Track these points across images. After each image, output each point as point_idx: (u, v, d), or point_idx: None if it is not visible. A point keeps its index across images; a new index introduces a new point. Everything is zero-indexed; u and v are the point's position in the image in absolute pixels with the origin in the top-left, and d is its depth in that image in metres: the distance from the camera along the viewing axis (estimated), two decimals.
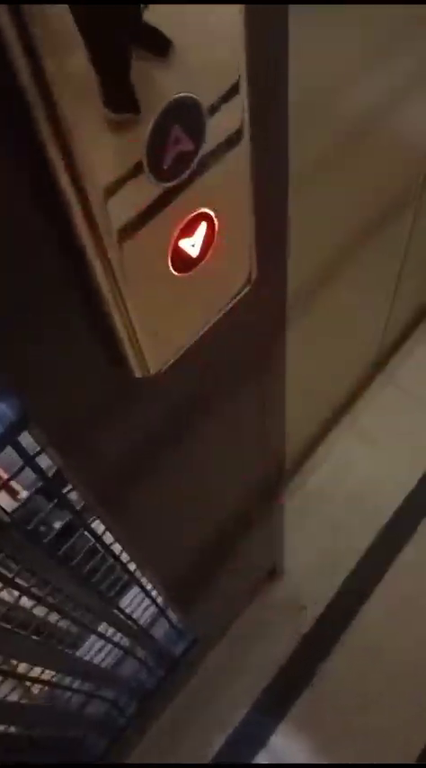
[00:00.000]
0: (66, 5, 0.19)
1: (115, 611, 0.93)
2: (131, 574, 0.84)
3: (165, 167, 0.27)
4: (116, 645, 1.00)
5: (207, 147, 0.29)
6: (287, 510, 1.08)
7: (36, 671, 0.84)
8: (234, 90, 0.28)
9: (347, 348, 1.39)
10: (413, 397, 1.62)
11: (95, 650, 1.02)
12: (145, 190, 0.27)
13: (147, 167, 0.26)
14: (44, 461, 0.48)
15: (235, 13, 0.26)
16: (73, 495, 0.59)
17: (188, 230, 0.31)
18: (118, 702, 1.07)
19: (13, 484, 0.86)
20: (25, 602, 0.74)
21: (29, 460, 0.44)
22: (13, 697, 0.89)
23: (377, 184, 0.96)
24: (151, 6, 0.22)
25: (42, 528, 0.61)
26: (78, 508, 0.59)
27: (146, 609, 1.04)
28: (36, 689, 1.01)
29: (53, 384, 0.34)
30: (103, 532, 0.70)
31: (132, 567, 0.84)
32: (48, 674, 0.90)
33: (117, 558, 0.78)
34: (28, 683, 0.96)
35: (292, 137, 0.39)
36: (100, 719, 1.08)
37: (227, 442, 0.64)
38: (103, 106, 0.22)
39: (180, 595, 0.91)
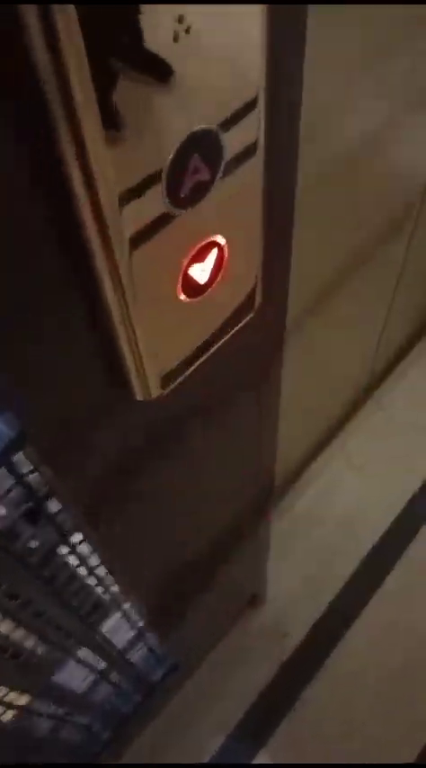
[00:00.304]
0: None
1: (95, 635, 0.90)
2: (113, 597, 0.82)
3: (182, 195, 0.27)
4: (94, 670, 0.97)
5: (222, 174, 0.29)
6: (273, 533, 1.07)
7: (10, 696, 0.81)
8: (251, 105, 0.28)
9: (337, 372, 1.40)
10: (401, 423, 1.64)
11: (72, 675, 0.99)
12: (160, 216, 0.27)
13: (165, 194, 0.26)
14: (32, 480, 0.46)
15: (257, 45, 0.26)
16: (60, 516, 0.58)
17: (199, 257, 0.31)
18: (92, 728, 1.03)
19: None
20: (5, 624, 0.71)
21: (19, 479, 0.43)
22: None
23: (369, 212, 0.98)
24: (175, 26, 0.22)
25: (26, 548, 0.59)
26: (66, 529, 0.58)
27: (126, 633, 1.02)
28: (8, 715, 0.97)
29: (52, 403, 0.33)
30: (89, 554, 0.69)
31: (115, 589, 0.82)
32: (23, 699, 0.87)
33: (100, 580, 0.76)
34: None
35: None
36: (73, 745, 1.04)
37: (221, 458, 0.64)
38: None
39: (161, 619, 0.89)
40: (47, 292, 0.28)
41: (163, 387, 0.36)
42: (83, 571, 0.72)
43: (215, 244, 0.32)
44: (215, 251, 0.32)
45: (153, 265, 0.29)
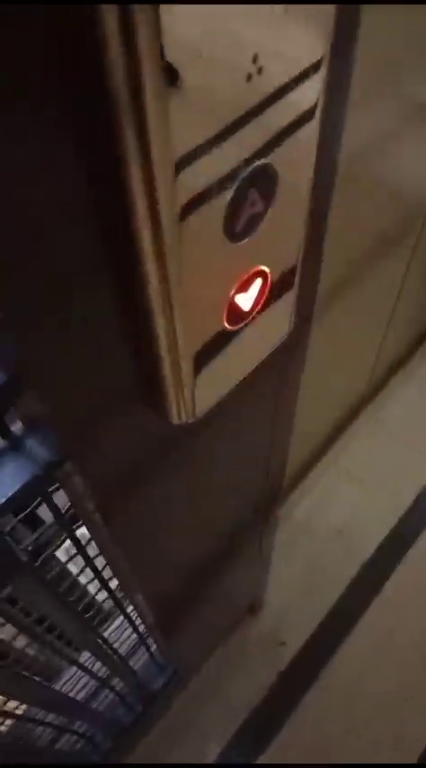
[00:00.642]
0: None
1: (98, 640, 0.90)
2: (117, 600, 0.82)
3: (238, 230, 0.27)
4: (95, 677, 0.96)
5: (275, 206, 0.29)
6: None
7: (10, 705, 0.81)
8: (307, 144, 0.28)
9: (335, 383, 1.41)
10: (397, 434, 1.65)
11: (73, 683, 0.99)
12: (215, 249, 0.27)
13: (223, 229, 0.26)
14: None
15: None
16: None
17: (245, 286, 0.32)
18: (94, 738, 1.03)
19: None
20: (7, 630, 0.71)
21: (46, 496, 0.43)
22: None
23: (374, 227, 0.99)
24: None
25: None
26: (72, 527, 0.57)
27: (128, 638, 1.02)
28: (6, 725, 0.96)
29: (93, 428, 0.34)
30: (95, 556, 0.68)
31: (118, 592, 0.82)
32: (21, 708, 0.87)
33: (105, 582, 0.75)
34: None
35: None
36: (73, 755, 1.03)
37: (237, 461, 0.64)
38: None
39: (164, 624, 0.89)
40: (99, 323, 0.28)
41: (198, 413, 0.36)
42: (88, 573, 0.71)
43: (260, 273, 0.32)
44: (259, 280, 0.32)
45: (202, 296, 0.29)
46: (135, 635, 0.98)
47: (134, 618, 0.91)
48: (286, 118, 0.26)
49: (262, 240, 0.30)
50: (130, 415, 0.36)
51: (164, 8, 0.18)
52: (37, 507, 0.45)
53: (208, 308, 0.31)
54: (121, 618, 0.92)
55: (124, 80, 0.19)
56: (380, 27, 0.57)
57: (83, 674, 0.95)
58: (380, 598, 1.38)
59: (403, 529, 1.50)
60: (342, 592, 1.39)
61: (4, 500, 0.32)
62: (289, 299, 0.37)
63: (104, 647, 0.90)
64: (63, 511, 0.47)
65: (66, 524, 0.49)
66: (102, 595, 0.80)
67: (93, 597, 0.84)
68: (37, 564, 0.52)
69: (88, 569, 0.66)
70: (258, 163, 0.26)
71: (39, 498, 0.43)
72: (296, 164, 0.29)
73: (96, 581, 0.70)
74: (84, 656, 0.94)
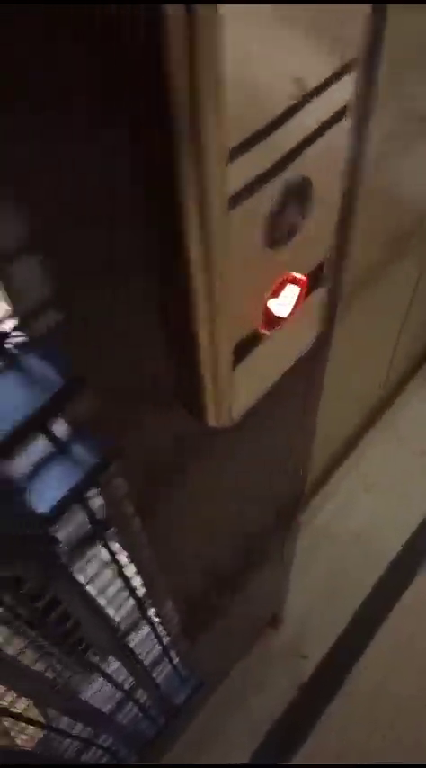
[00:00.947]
0: None
1: (124, 648, 0.90)
2: (144, 610, 0.82)
3: (277, 237, 0.28)
4: (121, 688, 0.96)
5: (312, 216, 0.30)
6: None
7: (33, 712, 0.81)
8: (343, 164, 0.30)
9: (350, 388, 1.41)
10: (413, 442, 1.64)
11: (100, 695, 0.99)
12: (257, 257, 0.29)
13: (263, 237, 0.28)
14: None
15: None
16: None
17: (278, 291, 0.33)
18: (117, 752, 1.03)
19: None
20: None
21: (83, 502, 0.44)
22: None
23: (387, 229, 1.00)
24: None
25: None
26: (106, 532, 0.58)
27: (152, 648, 1.02)
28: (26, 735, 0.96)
29: (133, 429, 0.35)
30: (126, 564, 0.69)
31: (146, 600, 0.82)
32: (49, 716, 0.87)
33: (133, 591, 0.76)
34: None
35: None
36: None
37: (264, 464, 0.64)
38: None
39: (190, 629, 0.89)
40: (144, 326, 0.29)
41: (236, 415, 0.37)
42: (118, 583, 0.72)
43: (295, 279, 0.33)
44: (295, 287, 0.34)
45: (240, 303, 0.30)
46: (159, 646, 0.98)
47: (158, 628, 0.91)
48: (318, 126, 0.28)
49: (298, 247, 0.32)
50: (169, 419, 0.37)
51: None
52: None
53: (244, 311, 0.32)
54: (147, 628, 0.92)
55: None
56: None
57: (109, 685, 0.95)
58: (401, 604, 1.37)
59: (423, 535, 1.50)
60: (365, 597, 1.38)
61: (53, 505, 0.33)
62: (320, 302, 0.39)
63: (130, 656, 0.91)
64: (99, 517, 0.48)
65: (100, 530, 0.50)
66: (130, 603, 0.81)
67: (120, 606, 0.85)
68: (72, 569, 0.53)
69: (118, 579, 0.67)
70: (296, 175, 0.27)
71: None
72: (328, 173, 0.30)
73: (126, 590, 0.71)
74: (111, 667, 0.94)
